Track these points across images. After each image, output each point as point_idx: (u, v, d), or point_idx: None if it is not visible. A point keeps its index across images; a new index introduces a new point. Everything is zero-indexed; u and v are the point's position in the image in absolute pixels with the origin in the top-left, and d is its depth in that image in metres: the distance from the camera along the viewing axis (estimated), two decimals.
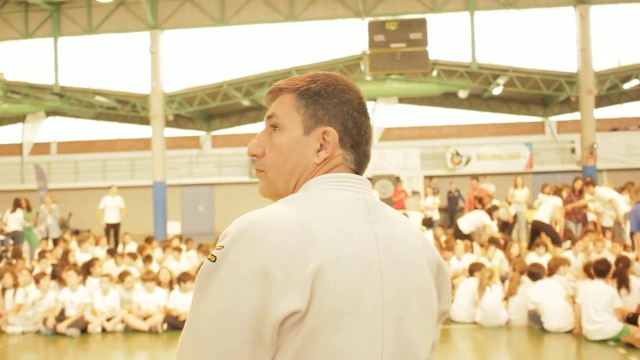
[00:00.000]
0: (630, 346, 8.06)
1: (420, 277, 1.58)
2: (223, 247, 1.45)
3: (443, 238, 14.10)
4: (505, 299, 9.54)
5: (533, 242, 14.32)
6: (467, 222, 14.31)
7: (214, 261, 1.45)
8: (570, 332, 8.78)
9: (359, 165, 1.67)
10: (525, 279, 9.58)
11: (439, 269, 1.65)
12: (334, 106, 1.63)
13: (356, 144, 1.65)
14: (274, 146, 1.65)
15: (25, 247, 16.42)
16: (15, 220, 16.60)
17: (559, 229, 14.39)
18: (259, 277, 1.38)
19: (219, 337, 1.39)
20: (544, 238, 12.92)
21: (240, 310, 1.38)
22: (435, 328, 1.66)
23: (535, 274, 9.26)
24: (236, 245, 1.43)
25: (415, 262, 1.57)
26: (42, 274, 10.70)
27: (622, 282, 8.80)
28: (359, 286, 1.44)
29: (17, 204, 16.97)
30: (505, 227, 16.31)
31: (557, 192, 14.17)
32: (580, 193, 14.72)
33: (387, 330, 1.47)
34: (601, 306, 8.33)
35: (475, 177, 17.99)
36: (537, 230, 13.67)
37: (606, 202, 13.62)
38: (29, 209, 17.26)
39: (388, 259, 1.51)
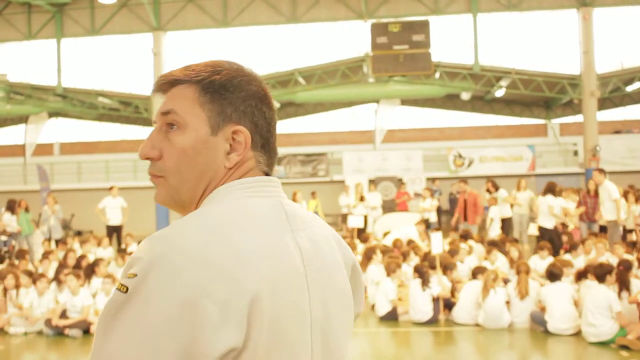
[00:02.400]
0: (624, 348, 8.05)
1: (341, 282, 1.47)
2: (135, 275, 1.20)
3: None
4: (522, 299, 9.49)
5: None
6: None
7: (125, 292, 1.20)
8: (573, 335, 8.76)
9: (271, 165, 1.47)
10: (530, 280, 9.59)
11: (353, 270, 1.57)
12: (242, 101, 1.41)
13: (267, 143, 1.44)
14: (174, 148, 1.40)
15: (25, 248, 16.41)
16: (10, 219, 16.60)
17: (572, 227, 14.56)
18: (185, 311, 1.16)
19: None
20: (546, 242, 12.95)
21: (162, 350, 1.15)
22: (350, 332, 1.54)
23: (554, 274, 9.24)
24: (152, 274, 1.19)
25: (336, 267, 1.46)
26: (40, 275, 10.70)
27: (623, 284, 8.79)
28: (292, 308, 1.30)
29: (10, 206, 16.91)
30: (507, 225, 16.32)
31: (550, 190, 14.36)
32: (596, 194, 14.75)
33: (315, 349, 1.34)
34: (598, 309, 8.33)
35: (464, 180, 17.94)
36: (543, 236, 13.74)
37: (611, 199, 13.58)
38: (26, 210, 17.24)
39: (313, 270, 1.37)
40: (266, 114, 1.45)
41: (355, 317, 1.59)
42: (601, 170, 14.04)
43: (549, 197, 14.02)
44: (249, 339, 1.21)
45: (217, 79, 1.42)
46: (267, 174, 1.46)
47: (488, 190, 16.81)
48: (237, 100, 1.42)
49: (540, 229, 14.10)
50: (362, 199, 20.36)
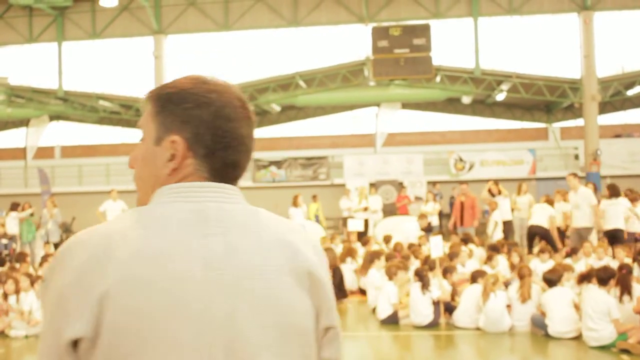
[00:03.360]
0: (625, 352, 8.04)
1: (273, 293, 1.41)
2: (50, 267, 1.43)
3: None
4: (523, 302, 9.47)
5: (531, 246, 14.43)
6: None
7: (43, 282, 1.44)
8: (573, 339, 8.75)
9: (219, 173, 1.51)
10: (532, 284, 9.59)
11: (311, 281, 1.47)
12: (185, 111, 1.49)
13: (211, 152, 1.49)
14: (136, 159, 1.58)
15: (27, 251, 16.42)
16: (11, 222, 16.65)
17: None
18: (58, 302, 1.35)
19: None
20: (545, 244, 12.97)
21: (48, 336, 1.36)
22: (309, 347, 1.47)
23: (551, 280, 9.24)
24: (53, 267, 1.41)
25: (267, 276, 1.41)
26: (38, 277, 10.70)
27: (625, 288, 8.78)
28: (168, 309, 1.32)
29: (12, 209, 17.01)
30: (508, 229, 16.32)
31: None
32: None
33: (216, 355, 1.34)
34: (598, 314, 8.31)
35: (464, 182, 17.95)
36: (534, 234, 13.75)
37: (589, 205, 13.36)
38: (31, 214, 17.30)
39: (221, 275, 1.37)
40: (213, 123, 1.49)
41: (326, 330, 1.51)
42: (575, 175, 13.88)
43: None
44: (100, 332, 1.30)
45: (166, 92, 1.54)
46: (213, 181, 1.51)
47: (490, 192, 16.79)
48: (179, 111, 1.50)
49: (534, 226, 14.19)
50: (365, 209, 20.36)
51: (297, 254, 1.47)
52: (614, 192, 13.43)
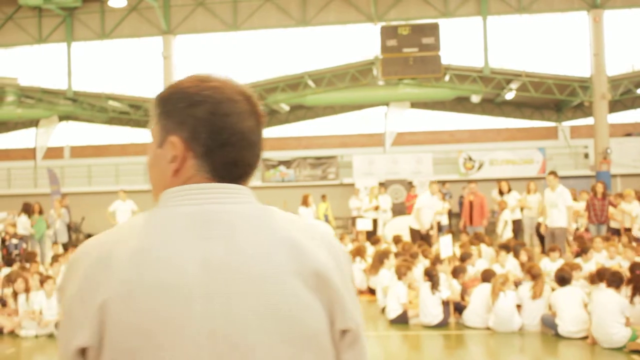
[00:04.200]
0: (636, 352, 7.99)
1: (276, 296, 1.36)
2: (63, 276, 1.46)
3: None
4: (534, 299, 9.43)
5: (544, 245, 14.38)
6: None
7: (59, 291, 1.48)
8: (584, 338, 8.71)
9: (222, 172, 1.48)
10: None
11: (320, 282, 1.41)
12: (181, 111, 1.48)
13: (210, 151, 1.46)
14: (148, 163, 1.58)
15: (38, 250, 16.50)
16: (21, 226, 16.76)
17: (582, 229, 14.49)
18: (66, 312, 1.39)
19: None
20: (557, 244, 12.92)
21: (61, 345, 1.39)
22: (321, 350, 1.41)
23: (563, 279, 9.19)
24: (65, 276, 1.44)
25: (269, 279, 1.37)
26: (47, 277, 10.72)
27: (637, 289, 8.72)
28: (167, 315, 1.31)
29: (25, 209, 17.11)
30: (518, 228, 16.27)
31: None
32: (604, 197, 14.74)
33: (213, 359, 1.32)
34: (609, 315, 8.26)
35: (473, 181, 17.90)
36: (550, 233, 13.69)
37: (565, 204, 13.27)
38: (40, 212, 17.39)
39: (220, 279, 1.35)
40: (210, 120, 1.46)
41: (343, 333, 1.45)
42: (555, 174, 13.71)
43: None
44: (105, 340, 1.32)
45: (166, 93, 1.54)
46: (218, 181, 1.48)
47: (500, 192, 16.77)
48: (175, 111, 1.49)
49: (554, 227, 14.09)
50: (376, 208, 20.32)
51: (303, 254, 1.42)
52: None
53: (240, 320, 1.34)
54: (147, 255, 1.35)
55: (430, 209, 15.68)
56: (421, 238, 15.03)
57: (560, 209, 13.26)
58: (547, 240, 13.53)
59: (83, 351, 1.34)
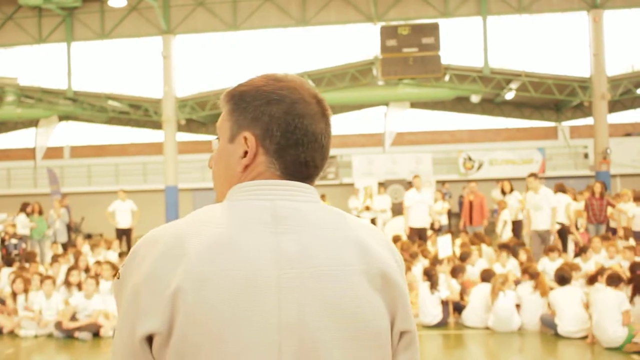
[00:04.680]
0: (637, 353, 7.98)
1: (344, 293, 1.39)
2: (124, 264, 1.46)
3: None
4: (543, 296, 9.43)
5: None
6: None
7: (119, 279, 1.47)
8: (583, 338, 8.71)
9: (292, 171, 1.50)
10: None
11: (385, 282, 1.44)
12: (256, 108, 1.50)
13: (282, 149, 1.48)
14: (214, 158, 1.61)
15: (37, 250, 16.51)
16: (20, 225, 16.77)
17: (582, 229, 14.49)
18: (133, 297, 1.38)
19: (115, 356, 1.42)
20: (556, 243, 12.92)
21: (123, 331, 1.39)
22: (382, 350, 1.44)
23: (563, 278, 9.20)
24: (128, 264, 1.44)
25: (338, 276, 1.39)
26: (46, 277, 10.72)
27: (637, 289, 8.73)
28: (239, 306, 1.33)
29: (23, 209, 17.14)
30: (518, 228, 16.27)
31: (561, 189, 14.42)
32: (602, 197, 14.76)
33: (285, 354, 1.34)
34: (608, 314, 8.26)
35: (473, 180, 17.90)
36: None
37: (549, 206, 13.07)
38: (40, 212, 17.41)
39: (292, 273, 1.37)
40: (284, 119, 1.49)
41: (402, 334, 1.49)
42: (536, 176, 13.49)
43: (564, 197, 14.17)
44: (175, 326, 1.33)
45: (240, 90, 1.56)
46: (287, 178, 1.50)
47: (502, 192, 16.77)
48: (250, 109, 1.51)
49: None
50: (367, 208, 20.32)
51: (371, 255, 1.45)
52: None
53: (310, 315, 1.36)
54: (221, 246, 1.37)
55: (421, 204, 15.18)
56: (419, 237, 14.91)
57: (545, 211, 13.09)
58: (534, 243, 13.26)
59: (150, 339, 1.35)
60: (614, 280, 8.51)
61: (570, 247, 14.52)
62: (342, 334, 1.38)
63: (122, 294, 1.42)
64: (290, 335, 1.34)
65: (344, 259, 1.41)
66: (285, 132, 1.48)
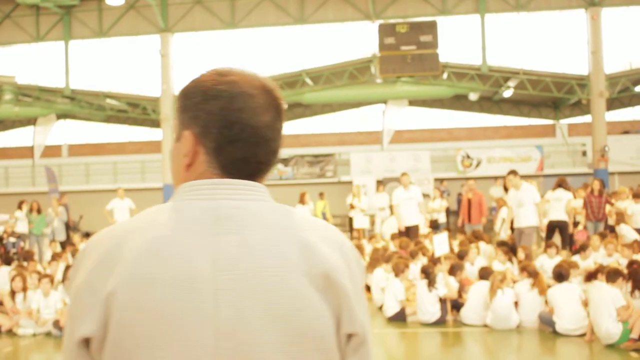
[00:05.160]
0: (636, 351, 7.98)
1: (285, 295, 1.34)
2: (73, 265, 1.46)
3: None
4: (542, 295, 9.44)
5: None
6: None
7: (69, 280, 1.48)
8: (581, 335, 8.71)
9: (231, 169, 1.46)
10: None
11: (328, 283, 1.38)
12: (195, 106, 1.47)
13: (219, 147, 1.44)
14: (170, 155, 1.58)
15: (36, 249, 16.50)
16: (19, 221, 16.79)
17: (581, 227, 14.49)
18: (74, 300, 1.37)
19: (64, 358, 1.40)
20: (553, 241, 12.93)
21: (66, 333, 1.39)
22: (326, 353, 1.37)
23: (561, 275, 9.20)
24: (75, 265, 1.44)
25: (278, 277, 1.34)
26: (44, 276, 10.72)
27: (637, 283, 8.72)
28: (173, 310, 1.30)
29: (20, 206, 17.16)
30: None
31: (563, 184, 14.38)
32: (600, 194, 14.78)
33: (221, 358, 1.30)
34: (606, 310, 8.26)
35: (471, 178, 17.90)
36: (554, 228, 13.67)
37: (533, 202, 12.86)
38: (39, 211, 17.40)
39: (230, 275, 1.33)
40: (222, 115, 1.44)
41: (349, 337, 1.41)
42: (515, 173, 13.21)
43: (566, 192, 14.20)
44: (109, 330, 1.31)
45: (185, 88, 1.54)
46: (227, 176, 1.45)
47: (505, 189, 16.79)
48: (191, 107, 1.48)
49: (556, 222, 14.06)
50: (352, 206, 20.32)
51: (315, 255, 1.39)
52: None
53: (248, 318, 1.32)
54: (157, 249, 1.34)
55: (410, 201, 14.69)
56: (408, 235, 14.33)
57: (528, 207, 12.83)
58: (517, 241, 13.05)
59: (87, 342, 1.34)
60: (611, 275, 8.52)
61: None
62: (282, 337, 1.33)
63: (69, 296, 1.42)
64: (226, 339, 1.31)
65: (285, 260, 1.37)
66: (222, 129, 1.44)
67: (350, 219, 20.41)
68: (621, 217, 14.14)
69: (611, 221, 14.97)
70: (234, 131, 1.44)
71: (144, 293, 1.31)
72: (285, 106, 1.56)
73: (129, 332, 1.30)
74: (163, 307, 1.30)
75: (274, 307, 1.33)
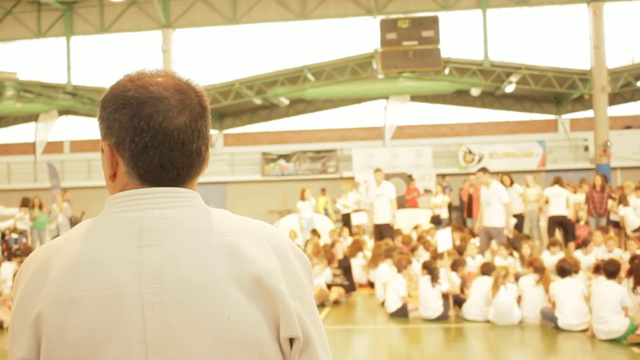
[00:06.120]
0: (636, 345, 7.98)
1: (213, 304, 1.30)
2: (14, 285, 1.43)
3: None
4: (547, 292, 9.43)
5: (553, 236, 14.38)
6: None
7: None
8: (584, 331, 8.71)
9: (150, 178, 1.41)
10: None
11: (259, 287, 1.33)
12: (109, 116, 1.42)
13: (134, 156, 1.39)
14: None
15: (37, 245, 16.52)
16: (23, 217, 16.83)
17: (583, 222, 14.49)
18: (12, 320, 1.35)
19: None
20: (557, 237, 12.92)
21: (9, 355, 1.36)
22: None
23: (564, 270, 9.19)
24: (15, 285, 1.41)
25: (206, 286, 1.30)
26: None
27: (638, 279, 8.71)
28: (101, 328, 1.27)
29: (23, 204, 17.17)
30: (519, 221, 16.30)
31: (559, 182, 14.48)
32: (602, 189, 14.78)
33: None
34: (609, 306, 8.24)
35: (473, 174, 17.90)
36: (556, 224, 13.66)
37: (500, 202, 12.23)
38: (40, 207, 17.42)
39: (156, 288, 1.29)
40: (131, 122, 1.39)
41: (290, 339, 1.37)
42: (485, 170, 12.53)
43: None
44: (42, 353, 1.29)
45: (103, 97, 1.48)
46: (148, 185, 1.42)
47: (502, 183, 16.80)
48: (106, 117, 1.44)
49: (558, 216, 14.06)
50: (334, 201, 20.33)
51: (245, 260, 1.34)
52: None
53: (177, 331, 1.28)
54: (80, 266, 1.31)
55: (380, 198, 14.04)
56: (380, 234, 13.91)
57: (494, 207, 12.19)
58: (482, 240, 12.59)
59: None
60: (611, 270, 8.49)
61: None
62: (215, 348, 1.29)
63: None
64: (157, 353, 1.27)
65: (213, 268, 1.32)
66: (134, 137, 1.38)
67: (348, 215, 20.37)
68: (624, 200, 14.16)
69: (615, 217, 14.98)
70: (145, 139, 1.38)
71: (69, 313, 1.28)
72: (207, 104, 1.51)
73: (57, 355, 1.28)
74: (90, 327, 1.27)
75: (203, 318, 1.29)
